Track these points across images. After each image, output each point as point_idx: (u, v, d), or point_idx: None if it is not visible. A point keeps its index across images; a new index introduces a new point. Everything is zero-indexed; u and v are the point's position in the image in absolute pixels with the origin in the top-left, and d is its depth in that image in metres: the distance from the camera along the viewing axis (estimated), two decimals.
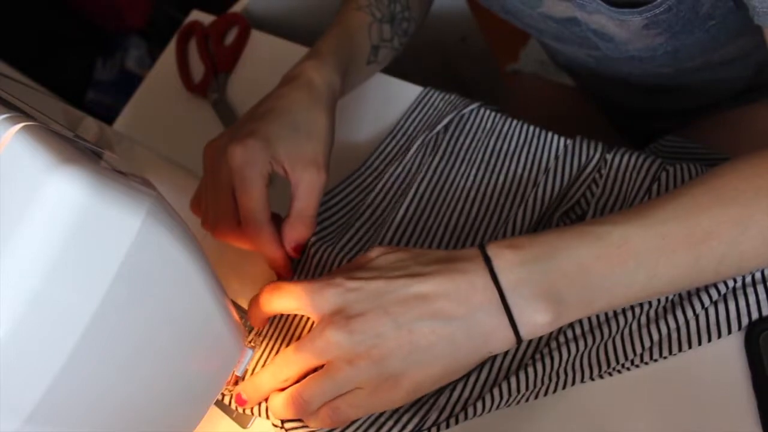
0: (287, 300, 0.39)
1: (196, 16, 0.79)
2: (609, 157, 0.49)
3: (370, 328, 0.36)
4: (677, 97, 0.60)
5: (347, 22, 0.55)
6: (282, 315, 0.48)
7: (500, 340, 0.36)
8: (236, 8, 0.79)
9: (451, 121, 0.56)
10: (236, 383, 0.43)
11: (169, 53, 0.78)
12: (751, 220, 0.35)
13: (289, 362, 0.38)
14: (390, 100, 0.61)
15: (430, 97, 0.59)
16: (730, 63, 0.53)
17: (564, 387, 0.41)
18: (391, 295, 0.36)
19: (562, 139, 0.52)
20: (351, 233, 0.51)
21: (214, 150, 0.47)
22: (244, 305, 0.50)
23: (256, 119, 0.46)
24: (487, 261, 0.36)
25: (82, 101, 1.52)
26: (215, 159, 0.46)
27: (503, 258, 0.36)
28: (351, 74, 0.54)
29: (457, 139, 0.55)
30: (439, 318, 0.36)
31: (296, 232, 0.46)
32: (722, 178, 0.37)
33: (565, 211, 0.48)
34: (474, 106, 0.56)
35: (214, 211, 0.46)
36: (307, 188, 0.45)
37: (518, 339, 0.36)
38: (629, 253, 0.35)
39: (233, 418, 0.45)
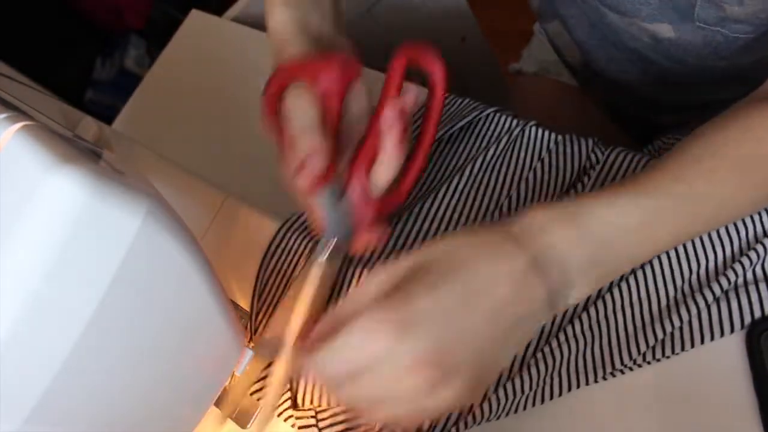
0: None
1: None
2: (601, 155, 0.49)
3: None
4: (698, 90, 0.59)
5: None
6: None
7: (545, 318, 0.35)
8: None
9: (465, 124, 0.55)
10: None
11: (168, 53, 0.77)
12: None
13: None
14: None
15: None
16: None
17: (569, 390, 0.41)
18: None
19: (553, 135, 0.52)
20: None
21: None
22: (244, 305, 0.50)
23: None
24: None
25: (81, 101, 1.52)
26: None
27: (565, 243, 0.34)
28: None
29: (466, 143, 0.54)
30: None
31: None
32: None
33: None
34: (490, 111, 0.55)
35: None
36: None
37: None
38: (659, 224, 0.35)
39: (233, 419, 0.45)
